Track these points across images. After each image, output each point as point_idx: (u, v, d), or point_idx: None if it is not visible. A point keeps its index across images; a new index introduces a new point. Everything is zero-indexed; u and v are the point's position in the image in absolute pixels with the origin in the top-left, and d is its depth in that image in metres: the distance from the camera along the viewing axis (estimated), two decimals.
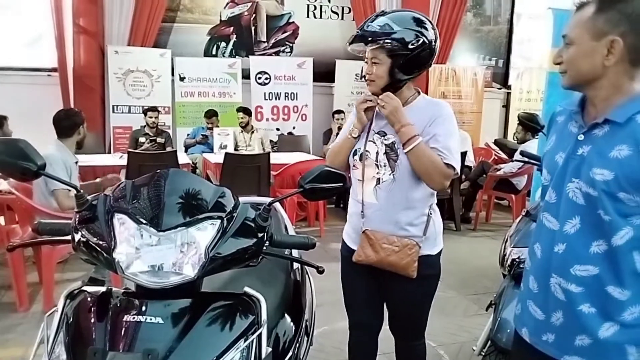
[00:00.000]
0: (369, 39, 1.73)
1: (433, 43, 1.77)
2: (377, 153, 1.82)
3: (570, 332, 1.29)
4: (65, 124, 3.46)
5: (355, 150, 1.87)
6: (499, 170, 5.85)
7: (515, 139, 6.24)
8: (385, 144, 1.81)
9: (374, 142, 1.83)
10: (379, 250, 1.78)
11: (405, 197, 1.79)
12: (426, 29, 1.75)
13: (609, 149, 1.21)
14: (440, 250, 1.91)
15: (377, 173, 1.81)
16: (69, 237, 1.29)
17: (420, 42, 1.73)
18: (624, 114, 1.20)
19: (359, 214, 1.86)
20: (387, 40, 1.71)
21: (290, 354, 1.70)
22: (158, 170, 1.34)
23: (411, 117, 1.77)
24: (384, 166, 1.80)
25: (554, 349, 1.33)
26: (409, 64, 1.75)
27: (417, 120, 1.77)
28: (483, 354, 2.21)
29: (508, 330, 1.99)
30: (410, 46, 1.72)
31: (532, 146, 4.89)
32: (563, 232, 1.29)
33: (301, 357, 1.84)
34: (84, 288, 1.30)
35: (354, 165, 1.89)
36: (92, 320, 1.19)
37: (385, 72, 1.76)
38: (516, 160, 5.26)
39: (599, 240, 1.23)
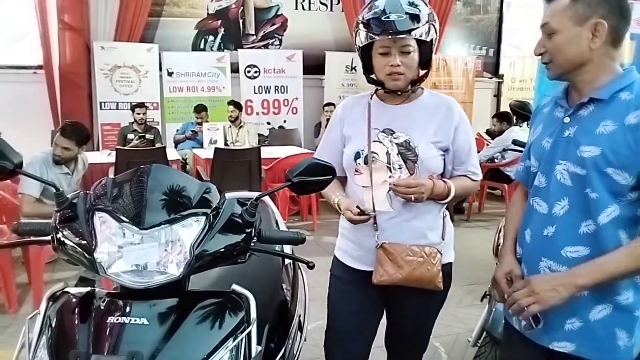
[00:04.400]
0: (413, 27, 1.48)
1: None
2: (388, 154, 1.59)
3: (560, 317, 1.30)
4: None
5: (358, 152, 1.63)
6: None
7: (494, 130, 6.28)
8: (396, 143, 1.59)
9: (381, 142, 1.60)
10: (403, 265, 1.54)
11: None
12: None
13: (594, 126, 1.24)
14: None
15: (390, 177, 1.58)
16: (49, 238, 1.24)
17: (436, 25, 1.57)
18: (609, 91, 1.24)
19: (370, 227, 1.59)
20: (426, 26, 1.50)
21: (283, 350, 1.67)
22: (141, 166, 1.30)
23: (419, 112, 1.62)
24: (399, 168, 1.58)
25: (543, 336, 1.34)
26: (430, 50, 1.57)
27: (429, 118, 1.61)
28: (478, 344, 2.20)
29: (503, 321, 1.97)
30: (436, 29, 1.56)
31: (512, 136, 4.93)
32: (552, 214, 1.31)
33: (295, 353, 1.81)
34: (67, 289, 1.26)
35: (356, 170, 1.64)
36: (75, 323, 1.15)
37: (416, 61, 1.55)
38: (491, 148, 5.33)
39: (587, 220, 1.26)
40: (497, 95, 8.90)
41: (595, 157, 1.21)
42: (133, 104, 6.03)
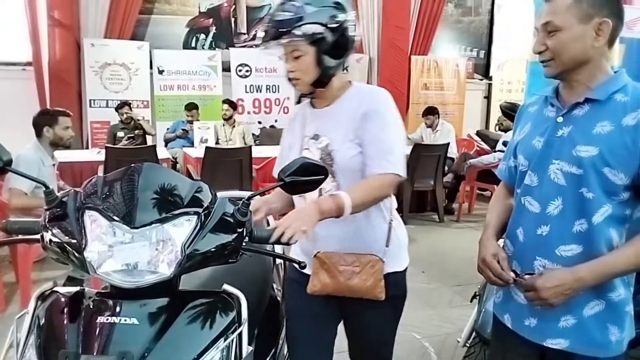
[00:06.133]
0: (284, 30, 1.43)
1: (350, 17, 1.52)
2: None
3: (553, 314, 1.31)
4: (33, 124, 3.49)
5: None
6: (475, 159, 5.87)
7: (498, 128, 6.31)
8: (319, 149, 1.54)
9: (309, 149, 1.57)
10: (337, 274, 1.50)
11: None
12: (339, 3, 1.50)
13: (591, 126, 1.25)
14: (407, 267, 1.63)
15: None
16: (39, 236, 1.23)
17: (341, 19, 1.47)
18: (605, 92, 1.25)
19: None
20: (306, 26, 1.42)
21: (274, 350, 1.67)
22: (132, 165, 1.29)
23: (341, 111, 1.54)
24: None
25: (536, 333, 1.35)
26: (335, 46, 1.48)
27: (347, 115, 1.53)
28: (468, 345, 2.21)
29: (491, 322, 1.98)
30: (330, 26, 1.45)
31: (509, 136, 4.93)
32: (546, 213, 1.31)
33: (285, 353, 1.81)
34: (56, 289, 1.24)
35: None
36: (65, 322, 1.14)
37: (312, 63, 1.47)
38: (499, 151, 5.32)
39: (581, 219, 1.27)
40: (488, 97, 8.96)
41: (593, 157, 1.22)
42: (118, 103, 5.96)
